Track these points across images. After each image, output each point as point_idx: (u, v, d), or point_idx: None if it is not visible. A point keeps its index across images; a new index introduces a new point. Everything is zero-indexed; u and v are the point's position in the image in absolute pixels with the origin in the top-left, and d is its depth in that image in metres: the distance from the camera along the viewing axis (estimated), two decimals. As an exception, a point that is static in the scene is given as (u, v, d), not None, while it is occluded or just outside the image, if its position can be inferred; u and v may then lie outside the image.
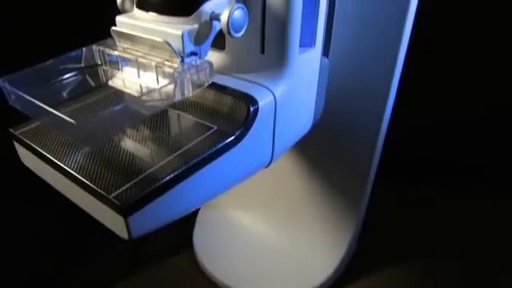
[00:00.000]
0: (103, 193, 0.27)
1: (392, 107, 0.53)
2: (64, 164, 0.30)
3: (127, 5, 0.36)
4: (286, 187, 0.61)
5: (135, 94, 0.34)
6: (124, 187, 0.27)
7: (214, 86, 0.35)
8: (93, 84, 0.35)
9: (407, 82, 0.55)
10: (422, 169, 0.87)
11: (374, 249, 0.68)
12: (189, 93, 0.30)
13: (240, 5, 0.31)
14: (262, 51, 0.36)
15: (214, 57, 0.39)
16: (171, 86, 0.29)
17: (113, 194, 0.26)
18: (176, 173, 0.29)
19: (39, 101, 0.31)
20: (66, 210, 0.35)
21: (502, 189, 0.82)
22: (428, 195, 0.81)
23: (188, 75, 0.30)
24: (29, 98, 0.28)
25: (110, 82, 0.36)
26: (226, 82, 0.36)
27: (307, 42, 0.39)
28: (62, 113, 0.28)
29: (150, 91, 0.29)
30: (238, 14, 0.31)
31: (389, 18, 0.43)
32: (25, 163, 0.35)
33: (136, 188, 0.27)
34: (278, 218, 0.64)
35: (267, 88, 0.36)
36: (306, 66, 0.40)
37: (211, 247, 0.65)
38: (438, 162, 0.88)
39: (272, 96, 0.35)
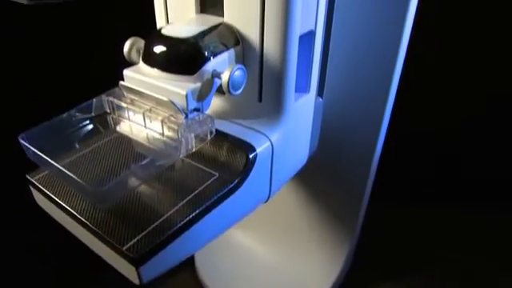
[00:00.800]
0: (116, 245, 0.30)
1: (386, 134, 0.56)
2: (77, 213, 0.33)
3: (133, 55, 0.39)
4: (283, 209, 0.64)
5: (142, 141, 0.37)
6: (136, 239, 0.30)
7: (215, 132, 0.38)
8: (103, 131, 0.38)
9: (399, 111, 0.58)
10: (416, 186, 0.90)
11: (369, 265, 0.71)
12: (192, 148, 0.33)
13: (240, 66, 0.33)
14: (260, 99, 0.39)
15: (214, 101, 0.42)
16: (174, 144, 0.32)
17: (125, 247, 0.29)
18: (184, 222, 0.32)
19: (55, 154, 0.34)
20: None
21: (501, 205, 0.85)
22: (424, 211, 0.84)
23: (192, 134, 0.32)
24: (47, 158, 0.31)
25: (118, 128, 0.39)
26: (226, 127, 0.39)
27: (302, 87, 0.42)
28: (73, 160, 0.31)
29: (158, 152, 0.32)
30: (238, 74, 0.33)
31: (383, 53, 0.46)
32: (40, 205, 0.38)
33: (147, 239, 0.30)
34: (277, 238, 0.67)
35: (264, 134, 0.38)
36: (302, 111, 0.42)
37: (212, 266, 0.68)
38: (432, 180, 0.92)
39: (269, 142, 0.38)
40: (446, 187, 0.90)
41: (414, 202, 0.87)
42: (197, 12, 0.39)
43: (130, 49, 0.38)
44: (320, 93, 0.47)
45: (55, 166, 0.30)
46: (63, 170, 0.30)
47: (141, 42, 0.38)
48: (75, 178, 0.29)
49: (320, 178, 0.59)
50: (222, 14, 0.38)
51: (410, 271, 0.71)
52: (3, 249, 0.74)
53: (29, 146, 0.32)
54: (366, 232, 0.67)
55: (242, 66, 0.34)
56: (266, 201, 0.43)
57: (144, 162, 0.30)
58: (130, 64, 0.38)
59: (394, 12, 0.43)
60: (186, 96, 0.33)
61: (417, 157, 0.92)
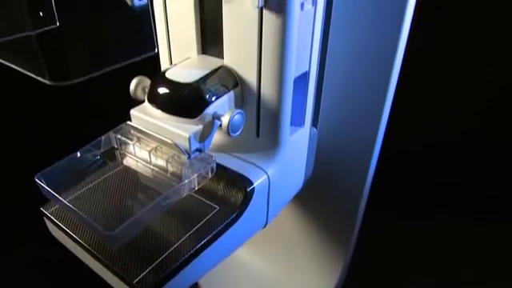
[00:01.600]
0: (126, 278, 0.32)
1: (379, 154, 0.59)
2: (89, 246, 0.36)
3: (139, 93, 0.41)
4: (281, 226, 0.67)
5: (148, 178, 0.39)
6: (144, 272, 0.33)
7: (216, 165, 0.41)
8: (111, 165, 0.41)
9: (392, 131, 0.61)
10: (410, 201, 0.93)
11: (364, 278, 0.74)
12: (195, 187, 0.36)
13: (239, 110, 0.36)
14: (258, 135, 0.42)
15: (215, 135, 0.44)
16: (179, 185, 0.35)
17: (135, 280, 0.32)
18: (189, 254, 0.35)
19: (68, 190, 0.37)
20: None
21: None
22: (419, 227, 0.87)
23: (195, 174, 0.35)
24: (64, 200, 0.33)
25: (125, 162, 0.42)
26: (226, 161, 0.42)
27: (297, 122, 0.44)
28: (84, 195, 0.34)
29: (163, 191, 0.35)
30: (237, 118, 0.36)
31: (375, 84, 0.48)
32: (53, 234, 0.41)
33: (156, 271, 0.33)
34: (275, 253, 0.70)
35: (261, 168, 0.41)
36: (297, 144, 0.45)
37: (213, 279, 0.71)
38: (425, 196, 0.95)
39: (266, 175, 0.41)
40: (443, 203, 0.93)
41: (408, 217, 0.90)
42: (198, 53, 0.42)
43: (136, 87, 0.41)
44: (314, 123, 0.49)
45: (71, 208, 0.33)
46: (77, 211, 0.33)
47: (146, 81, 0.41)
48: (89, 219, 0.32)
49: (316, 196, 0.61)
50: (221, 56, 0.40)
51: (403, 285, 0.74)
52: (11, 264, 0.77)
53: (45, 187, 0.35)
54: (361, 246, 0.70)
55: (241, 111, 0.36)
56: (264, 226, 0.46)
57: (152, 204, 0.33)
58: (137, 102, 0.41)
59: (384, 48, 0.46)
60: (189, 139, 0.35)
61: (408, 176, 0.95)
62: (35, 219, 0.42)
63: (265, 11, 0.34)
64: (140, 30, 0.31)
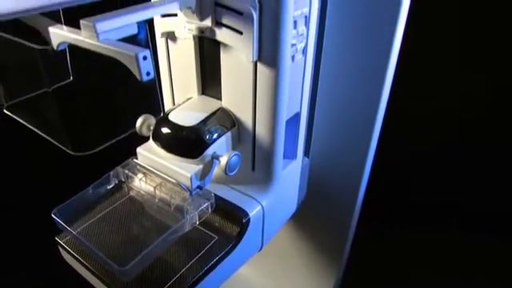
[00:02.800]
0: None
1: (369, 175, 0.63)
2: (101, 274, 0.40)
3: (144, 130, 0.45)
4: (276, 242, 0.71)
5: (153, 210, 0.43)
6: (154, 299, 0.37)
7: (215, 199, 0.45)
8: (119, 197, 0.45)
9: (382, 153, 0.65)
10: (398, 217, 0.97)
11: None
12: (196, 222, 0.40)
13: (236, 152, 0.40)
14: (253, 169, 0.45)
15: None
16: (183, 221, 0.38)
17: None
18: (193, 280, 0.39)
19: (81, 223, 0.41)
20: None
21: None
22: (408, 236, 0.91)
23: (196, 211, 0.39)
24: (79, 236, 0.37)
25: (131, 193, 0.46)
26: (223, 192, 0.46)
27: (290, 155, 0.48)
28: (95, 226, 0.37)
29: (168, 226, 0.38)
30: (235, 159, 0.40)
31: (364, 116, 0.52)
32: (67, 261, 0.45)
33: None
34: (270, 267, 0.74)
35: (256, 200, 0.45)
36: (289, 175, 0.49)
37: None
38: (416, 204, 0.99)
39: (260, 207, 0.45)
40: (430, 219, 0.97)
41: (396, 230, 0.94)
42: (199, 93, 0.46)
43: (142, 125, 0.44)
44: (306, 153, 0.53)
45: (86, 243, 0.37)
46: (91, 246, 0.37)
47: (151, 119, 0.45)
48: (103, 255, 0.36)
49: (309, 214, 0.65)
50: (220, 97, 0.44)
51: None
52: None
53: (61, 222, 0.38)
54: (353, 259, 0.74)
55: (238, 153, 0.40)
56: (260, 250, 0.50)
57: (160, 239, 0.37)
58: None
59: (370, 87, 0.49)
60: (191, 178, 0.39)
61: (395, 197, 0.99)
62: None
63: (259, 64, 0.38)
64: (147, 94, 0.34)
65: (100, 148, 0.30)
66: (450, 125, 0.93)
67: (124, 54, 0.28)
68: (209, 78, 0.44)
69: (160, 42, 0.45)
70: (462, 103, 0.90)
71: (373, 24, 0.46)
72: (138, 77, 0.27)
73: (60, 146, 0.28)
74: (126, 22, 0.31)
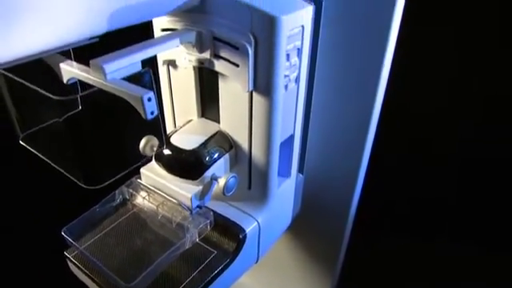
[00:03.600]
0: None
1: (362, 188, 0.65)
2: (107, 287, 0.43)
3: (147, 151, 0.48)
4: (273, 253, 0.74)
5: (157, 226, 0.46)
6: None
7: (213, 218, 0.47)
8: (124, 214, 0.48)
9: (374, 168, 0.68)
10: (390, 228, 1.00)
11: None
12: (196, 239, 0.43)
13: (233, 174, 0.43)
14: (249, 188, 0.48)
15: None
16: (184, 239, 0.41)
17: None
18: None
19: (88, 239, 0.44)
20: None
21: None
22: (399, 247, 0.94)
23: (196, 230, 0.42)
24: (88, 254, 0.40)
25: (135, 211, 0.49)
26: (222, 209, 0.49)
27: (284, 173, 0.51)
28: (102, 242, 0.40)
29: (170, 242, 0.41)
30: (232, 181, 0.43)
31: (352, 130, 0.55)
32: (75, 274, 0.48)
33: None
34: (268, 276, 0.77)
35: (252, 217, 0.48)
36: (284, 192, 0.52)
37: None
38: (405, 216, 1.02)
39: (256, 223, 0.48)
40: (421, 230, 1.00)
41: (390, 241, 0.97)
42: (198, 116, 0.48)
43: (145, 146, 0.47)
44: (300, 170, 0.56)
45: (94, 261, 0.40)
46: (98, 263, 0.39)
47: (154, 140, 0.47)
48: (109, 272, 0.39)
49: (304, 225, 0.68)
50: (218, 119, 0.47)
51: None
52: None
53: (70, 240, 0.41)
54: (347, 268, 0.77)
55: (235, 175, 0.43)
56: (256, 262, 0.53)
57: (164, 256, 0.40)
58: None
59: (362, 106, 0.52)
60: (191, 198, 0.42)
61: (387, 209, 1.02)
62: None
63: (254, 93, 0.41)
64: (153, 128, 0.37)
65: (112, 180, 0.32)
66: (441, 139, 0.96)
67: (130, 94, 0.30)
68: (208, 102, 0.47)
69: (162, 69, 0.47)
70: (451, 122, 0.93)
71: (363, 49, 0.49)
72: (143, 116, 0.30)
73: (72, 178, 0.31)
74: (131, 61, 0.33)
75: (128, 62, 0.33)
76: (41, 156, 0.32)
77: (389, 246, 0.93)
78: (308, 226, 0.68)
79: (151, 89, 0.31)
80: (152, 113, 0.31)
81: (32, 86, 0.28)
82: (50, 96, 0.28)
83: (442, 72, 0.89)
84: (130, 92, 0.31)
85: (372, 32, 0.48)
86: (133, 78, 0.34)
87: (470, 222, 0.99)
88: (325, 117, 0.54)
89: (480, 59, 0.85)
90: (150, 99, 0.30)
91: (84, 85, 0.36)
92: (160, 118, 0.32)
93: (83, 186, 0.31)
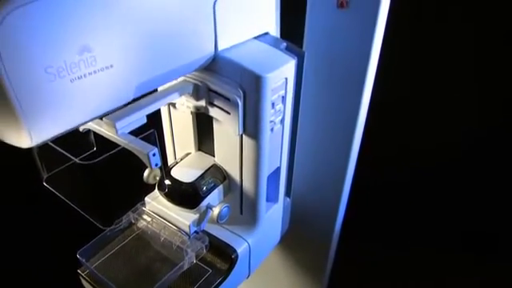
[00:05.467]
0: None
1: (346, 205, 0.72)
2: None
3: (150, 180, 0.54)
4: (264, 266, 0.80)
5: (158, 245, 0.52)
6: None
7: (207, 236, 0.54)
8: (129, 235, 0.54)
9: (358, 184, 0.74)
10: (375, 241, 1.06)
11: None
12: (194, 262, 0.49)
13: (226, 205, 0.49)
14: (241, 213, 0.54)
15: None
16: (183, 262, 0.48)
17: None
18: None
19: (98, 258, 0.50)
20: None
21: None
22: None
23: (194, 253, 0.48)
24: (100, 276, 0.46)
25: (140, 233, 0.55)
26: (216, 231, 0.55)
27: (272, 199, 0.57)
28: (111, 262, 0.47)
29: (176, 271, 0.48)
30: (225, 210, 0.49)
31: (335, 156, 0.61)
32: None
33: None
34: (259, 283, 0.84)
35: (243, 238, 0.54)
36: (272, 216, 0.58)
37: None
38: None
39: (247, 244, 0.54)
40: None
41: (375, 252, 1.03)
42: (195, 150, 0.54)
43: (148, 176, 0.53)
44: (288, 194, 0.62)
45: (103, 279, 0.46)
46: (109, 282, 0.46)
47: (156, 171, 0.53)
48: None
49: (292, 242, 0.75)
50: (213, 153, 0.53)
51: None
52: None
53: (84, 262, 0.48)
54: (335, 278, 0.84)
55: (228, 205, 0.49)
56: (248, 277, 0.59)
57: (167, 277, 0.46)
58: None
59: (343, 135, 0.58)
60: (189, 226, 0.48)
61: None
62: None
63: (244, 136, 0.47)
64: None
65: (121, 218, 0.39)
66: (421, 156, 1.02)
67: (138, 150, 0.37)
68: (204, 138, 0.53)
69: (163, 108, 0.54)
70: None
71: (342, 90, 0.55)
72: (149, 167, 0.37)
73: (91, 219, 0.37)
74: (138, 117, 0.39)
75: (136, 117, 0.39)
76: (63, 198, 0.38)
77: (375, 257, 1.00)
78: (297, 241, 0.74)
79: (155, 145, 0.37)
80: (156, 165, 0.37)
81: (58, 149, 0.34)
82: (74, 159, 0.34)
83: (419, 113, 0.96)
84: (137, 147, 0.37)
85: (350, 74, 0.54)
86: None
87: (456, 231, 1.05)
88: (308, 146, 0.60)
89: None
90: (154, 154, 0.36)
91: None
92: (161, 159, 0.38)
93: (101, 227, 0.37)
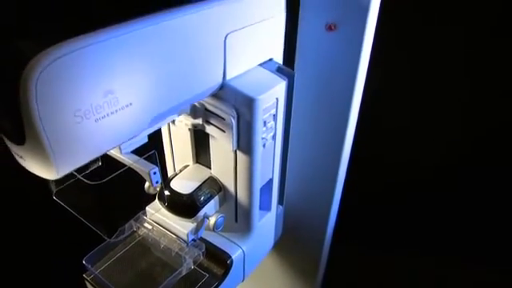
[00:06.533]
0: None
1: (338, 210, 0.76)
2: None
3: (151, 190, 0.58)
4: (258, 269, 0.84)
5: (158, 251, 0.56)
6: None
7: (203, 242, 0.57)
8: (131, 241, 0.58)
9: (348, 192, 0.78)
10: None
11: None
12: (191, 268, 0.53)
13: (222, 215, 0.53)
14: (236, 221, 0.58)
15: (206, 217, 0.61)
16: (181, 268, 0.51)
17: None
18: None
19: (101, 261, 0.54)
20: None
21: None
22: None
23: (191, 259, 0.52)
24: (101, 278, 0.50)
25: (141, 240, 0.59)
26: (212, 238, 0.59)
27: (265, 208, 0.61)
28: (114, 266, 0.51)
29: (174, 276, 0.51)
30: (220, 220, 0.53)
31: (326, 164, 0.65)
32: (91, 293, 0.58)
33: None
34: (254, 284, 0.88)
35: (238, 245, 0.58)
36: (266, 224, 0.62)
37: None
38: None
39: (241, 250, 0.58)
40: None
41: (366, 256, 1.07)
42: (193, 162, 0.58)
43: (149, 187, 0.57)
44: (280, 202, 0.66)
45: (107, 284, 0.50)
46: (110, 285, 0.49)
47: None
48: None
49: (286, 246, 0.79)
50: (209, 166, 0.57)
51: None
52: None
53: (90, 268, 0.51)
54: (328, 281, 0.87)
55: (223, 215, 0.53)
56: (243, 281, 0.63)
57: (167, 281, 0.50)
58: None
59: (332, 144, 0.62)
60: (187, 234, 0.52)
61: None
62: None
63: (238, 151, 0.51)
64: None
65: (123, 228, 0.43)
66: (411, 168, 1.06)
67: (140, 168, 0.40)
68: (201, 152, 0.57)
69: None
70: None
71: (331, 106, 0.59)
72: (150, 184, 0.40)
73: (97, 230, 0.41)
74: (141, 137, 0.43)
75: (138, 138, 0.43)
76: (71, 211, 0.42)
77: (366, 260, 1.04)
78: (290, 245, 0.78)
79: (156, 164, 0.40)
80: (157, 182, 0.41)
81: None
82: (87, 182, 0.37)
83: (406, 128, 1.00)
84: (140, 166, 0.40)
85: (338, 91, 0.58)
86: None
87: (448, 235, 1.09)
88: (300, 156, 0.64)
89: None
90: (155, 173, 0.40)
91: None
92: (161, 176, 0.42)
93: (106, 238, 0.41)
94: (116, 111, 0.32)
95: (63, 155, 0.31)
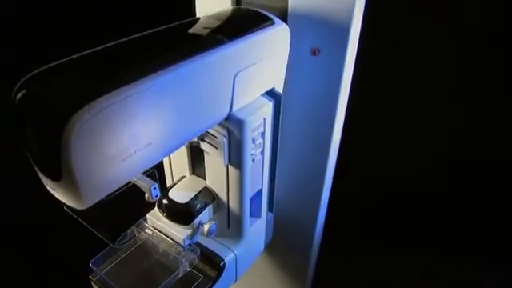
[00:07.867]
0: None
1: (325, 216, 0.81)
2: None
3: (151, 200, 0.63)
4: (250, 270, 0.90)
5: (157, 254, 0.62)
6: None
7: (198, 246, 0.63)
8: (133, 245, 0.63)
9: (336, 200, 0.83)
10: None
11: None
12: (187, 270, 0.58)
13: (215, 222, 0.58)
14: (228, 227, 0.64)
15: (201, 222, 0.67)
16: (178, 270, 0.57)
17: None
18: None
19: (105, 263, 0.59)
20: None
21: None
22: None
23: (187, 263, 0.57)
24: (106, 279, 0.56)
25: (142, 245, 0.64)
26: (207, 243, 0.64)
27: (256, 214, 0.66)
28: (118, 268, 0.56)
29: (172, 278, 0.57)
30: (213, 227, 0.58)
31: (312, 170, 0.71)
32: (96, 292, 0.63)
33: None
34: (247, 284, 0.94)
35: (230, 249, 0.64)
36: (256, 229, 0.67)
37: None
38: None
39: (233, 254, 0.63)
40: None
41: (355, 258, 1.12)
42: (190, 173, 0.64)
43: (149, 197, 0.63)
44: (270, 209, 0.71)
45: (111, 285, 0.55)
46: (114, 285, 0.55)
47: (156, 192, 0.63)
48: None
49: (276, 249, 0.84)
50: (204, 177, 0.62)
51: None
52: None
53: (96, 270, 0.57)
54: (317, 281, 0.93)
55: (216, 223, 0.59)
56: (235, 282, 0.68)
57: (165, 282, 0.55)
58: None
59: (319, 152, 0.68)
60: (184, 239, 0.58)
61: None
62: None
63: (229, 166, 0.56)
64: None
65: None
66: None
67: (141, 184, 0.46)
68: (197, 165, 0.62)
69: (163, 138, 0.63)
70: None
71: (319, 116, 0.64)
72: (150, 198, 0.46)
73: (102, 237, 0.46)
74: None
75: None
76: (80, 220, 0.47)
77: (354, 260, 1.09)
78: (280, 248, 0.83)
79: (156, 181, 0.46)
80: (156, 196, 0.46)
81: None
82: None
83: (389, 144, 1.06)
84: (141, 182, 0.46)
85: (322, 109, 0.63)
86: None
87: (441, 235, 1.15)
88: (288, 166, 0.70)
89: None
90: (155, 188, 0.46)
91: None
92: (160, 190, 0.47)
93: (111, 244, 0.47)
94: (138, 150, 0.38)
95: (92, 190, 0.36)
